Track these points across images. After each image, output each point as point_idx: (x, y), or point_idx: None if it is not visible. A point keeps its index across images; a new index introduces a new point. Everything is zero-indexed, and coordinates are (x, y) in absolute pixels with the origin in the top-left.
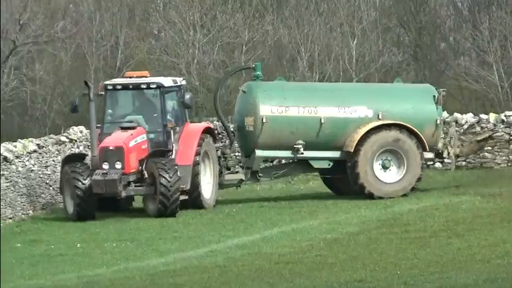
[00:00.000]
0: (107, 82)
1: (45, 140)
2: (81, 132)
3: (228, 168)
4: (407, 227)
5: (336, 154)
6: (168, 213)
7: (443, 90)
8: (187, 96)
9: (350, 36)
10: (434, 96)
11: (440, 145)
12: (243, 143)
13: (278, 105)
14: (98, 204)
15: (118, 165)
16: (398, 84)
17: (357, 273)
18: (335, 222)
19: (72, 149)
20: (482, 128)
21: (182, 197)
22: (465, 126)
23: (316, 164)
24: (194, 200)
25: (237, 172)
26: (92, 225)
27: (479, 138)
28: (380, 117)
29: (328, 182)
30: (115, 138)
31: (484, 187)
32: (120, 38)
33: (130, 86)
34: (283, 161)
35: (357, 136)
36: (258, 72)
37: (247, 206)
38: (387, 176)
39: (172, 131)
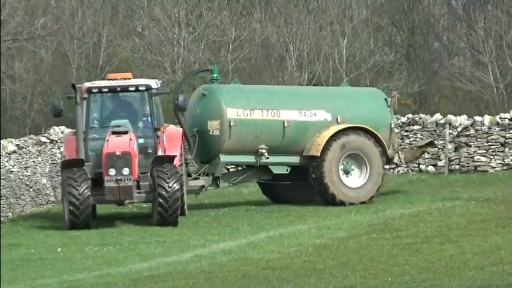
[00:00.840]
0: (91, 85)
1: (25, 141)
2: (62, 132)
3: (189, 175)
4: (398, 232)
5: (296, 159)
6: (168, 223)
7: (398, 93)
8: (181, 98)
9: (340, 35)
10: (385, 99)
11: (390, 151)
12: (203, 148)
13: (243, 108)
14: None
15: (125, 171)
16: (350, 88)
17: (347, 280)
18: (324, 227)
19: (52, 149)
20: (476, 130)
21: None
22: (459, 129)
23: (275, 170)
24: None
25: (197, 178)
26: (76, 230)
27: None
28: (339, 120)
29: (269, 189)
30: (118, 143)
31: (478, 191)
32: (103, 35)
33: (118, 89)
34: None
35: (323, 139)
36: (216, 75)
37: (234, 209)
38: (350, 181)
39: (163, 135)
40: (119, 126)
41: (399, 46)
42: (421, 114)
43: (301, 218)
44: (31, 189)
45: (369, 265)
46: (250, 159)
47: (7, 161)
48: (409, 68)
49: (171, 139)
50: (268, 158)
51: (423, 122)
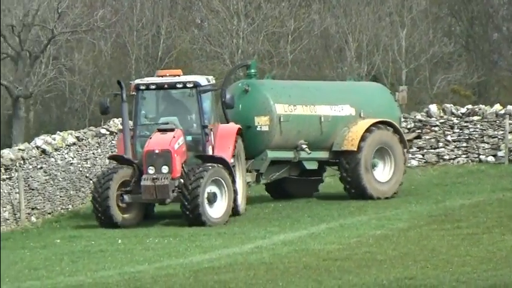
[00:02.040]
0: (140, 82)
1: (85, 133)
2: (121, 124)
3: None
4: (459, 223)
5: (325, 154)
6: (192, 222)
7: (403, 89)
8: (228, 95)
9: (399, 26)
10: (391, 94)
11: None
12: (248, 144)
13: (287, 104)
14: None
15: (165, 170)
16: (361, 82)
17: (408, 271)
18: (385, 218)
19: (112, 141)
20: None
21: None
22: None
23: (308, 165)
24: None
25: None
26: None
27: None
28: (361, 115)
29: (271, 185)
30: (159, 141)
31: None
32: (162, 27)
33: (165, 86)
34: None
35: (357, 134)
36: (254, 70)
37: (294, 201)
38: (378, 175)
39: (212, 132)
40: (167, 123)
41: (458, 37)
42: (480, 105)
43: (362, 209)
44: (91, 181)
45: (429, 256)
46: (290, 154)
47: (67, 153)
48: (468, 59)
49: (224, 137)
50: (310, 153)
51: (483, 113)
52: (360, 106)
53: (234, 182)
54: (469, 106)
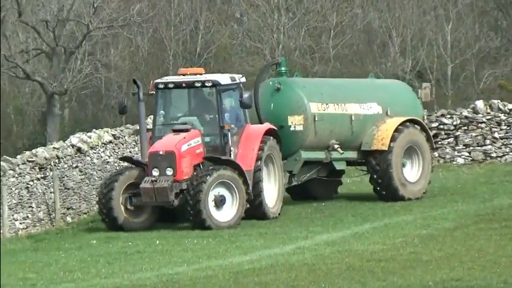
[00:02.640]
0: (158, 80)
1: (122, 130)
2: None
3: None
4: (507, 222)
5: (354, 154)
6: (197, 226)
7: (427, 86)
8: (246, 95)
9: (445, 20)
10: (414, 91)
11: None
12: (282, 145)
13: (320, 102)
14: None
15: (169, 172)
16: (384, 80)
17: (454, 272)
18: (430, 217)
19: None
20: None
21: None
22: None
23: (338, 166)
24: (256, 209)
25: None
26: (172, 225)
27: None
28: (388, 113)
29: (294, 187)
30: (166, 142)
31: None
32: (200, 21)
33: (184, 85)
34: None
35: (387, 133)
36: (283, 68)
37: (337, 200)
38: (407, 175)
39: (230, 133)
40: (185, 123)
41: (505, 31)
42: None
43: (407, 208)
44: None
45: (476, 256)
46: (322, 155)
47: (103, 152)
48: None
49: (249, 138)
50: (343, 153)
51: None
52: (386, 104)
53: (246, 184)
54: None
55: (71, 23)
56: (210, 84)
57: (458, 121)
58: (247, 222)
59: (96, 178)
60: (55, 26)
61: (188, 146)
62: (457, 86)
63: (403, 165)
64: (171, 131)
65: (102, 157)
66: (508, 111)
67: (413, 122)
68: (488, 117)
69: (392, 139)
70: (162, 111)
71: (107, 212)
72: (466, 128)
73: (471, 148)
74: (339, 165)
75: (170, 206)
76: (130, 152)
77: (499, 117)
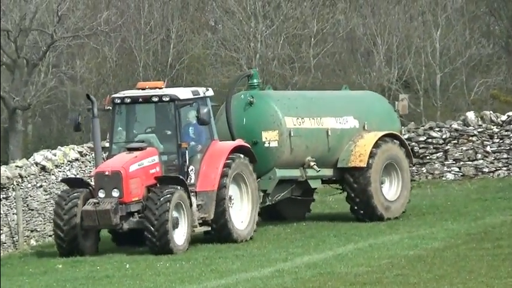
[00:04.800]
0: (115, 95)
1: (89, 147)
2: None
3: None
4: (500, 241)
5: (330, 172)
6: (159, 250)
7: (404, 98)
8: (204, 110)
9: (433, 26)
10: (390, 103)
11: None
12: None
13: (296, 117)
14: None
15: (115, 193)
16: (356, 92)
17: None
18: (418, 237)
19: None
20: None
21: (204, 228)
22: None
23: (313, 184)
24: (220, 230)
25: None
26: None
27: None
28: (365, 127)
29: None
30: (114, 162)
31: None
32: (172, 30)
33: (140, 100)
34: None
35: (365, 149)
36: (256, 80)
37: (318, 219)
38: (386, 193)
39: (190, 151)
40: (142, 141)
41: (498, 37)
42: None
43: (393, 228)
44: None
45: (467, 278)
46: (297, 173)
47: (69, 170)
48: (508, 62)
49: (213, 156)
50: (319, 170)
51: None
52: (363, 118)
53: (191, 205)
54: (510, 113)
55: (33, 33)
56: (167, 99)
57: (448, 134)
58: (222, 243)
59: None
60: (17, 36)
61: (139, 165)
62: (446, 97)
63: (382, 183)
64: (125, 149)
65: (67, 176)
66: (500, 123)
67: (391, 136)
68: (479, 129)
69: (371, 155)
70: (119, 128)
71: (69, 245)
72: (456, 141)
73: (462, 163)
74: (314, 184)
75: (119, 229)
76: None
77: (492, 129)
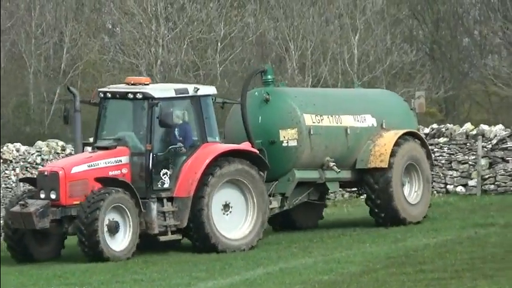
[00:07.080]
0: (101, 89)
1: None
2: (17, 150)
3: None
4: (422, 265)
5: (348, 174)
6: (89, 252)
7: (421, 95)
8: (165, 111)
9: (351, 30)
10: (406, 101)
11: None
12: (272, 163)
13: (314, 114)
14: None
15: (53, 195)
16: (371, 90)
17: None
18: (333, 261)
19: (6, 171)
20: None
21: (174, 237)
22: (494, 141)
23: (331, 187)
24: (202, 242)
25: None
26: (33, 266)
27: None
28: (383, 126)
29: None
30: (60, 161)
31: None
32: (66, 33)
33: (117, 96)
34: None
35: (386, 149)
36: (270, 76)
37: None
38: (407, 196)
39: (151, 154)
40: (119, 139)
41: (421, 43)
42: (448, 125)
43: (306, 250)
44: None
45: None
46: (316, 174)
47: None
48: (433, 70)
49: (198, 160)
50: (339, 171)
51: (451, 134)
52: (381, 116)
53: (139, 207)
54: (435, 125)
55: None
56: (140, 96)
57: None
58: (119, 266)
59: None
60: None
61: (90, 166)
62: None
63: (403, 185)
64: (94, 148)
65: None
66: (424, 136)
67: (412, 134)
68: None
69: (392, 154)
70: (102, 124)
71: (17, 252)
72: None
73: None
74: (333, 187)
75: (64, 233)
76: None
77: None
